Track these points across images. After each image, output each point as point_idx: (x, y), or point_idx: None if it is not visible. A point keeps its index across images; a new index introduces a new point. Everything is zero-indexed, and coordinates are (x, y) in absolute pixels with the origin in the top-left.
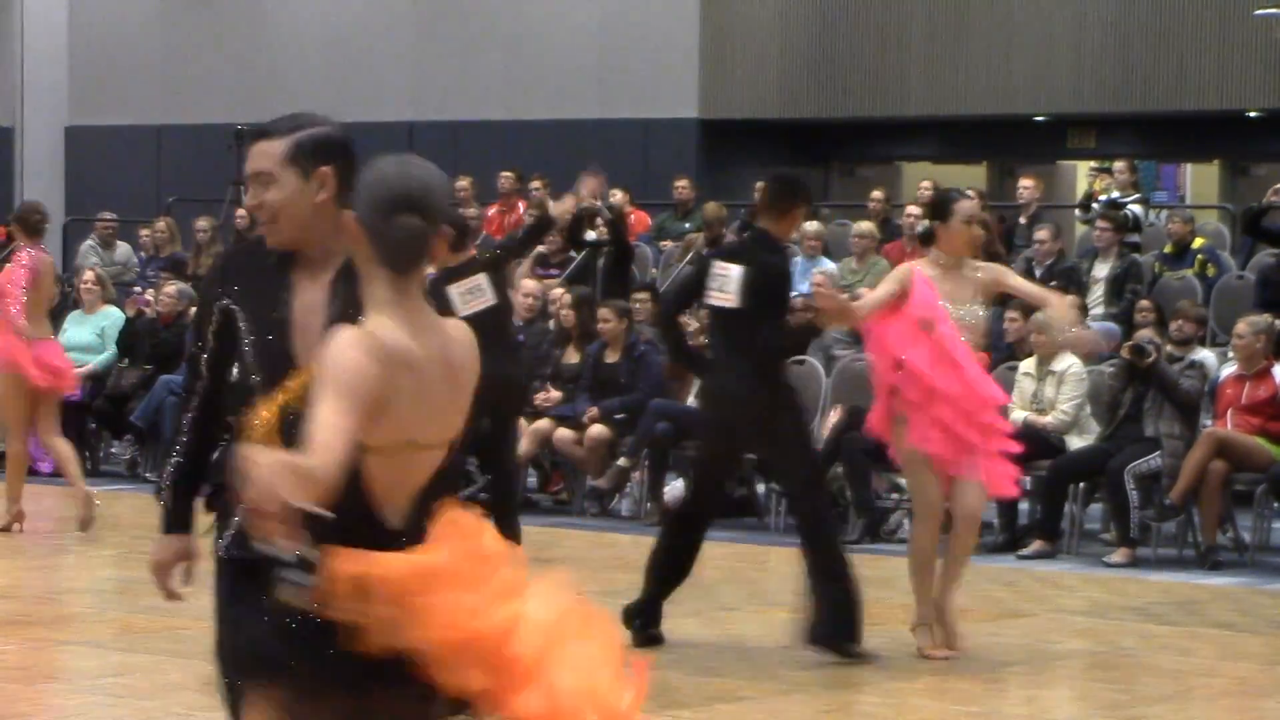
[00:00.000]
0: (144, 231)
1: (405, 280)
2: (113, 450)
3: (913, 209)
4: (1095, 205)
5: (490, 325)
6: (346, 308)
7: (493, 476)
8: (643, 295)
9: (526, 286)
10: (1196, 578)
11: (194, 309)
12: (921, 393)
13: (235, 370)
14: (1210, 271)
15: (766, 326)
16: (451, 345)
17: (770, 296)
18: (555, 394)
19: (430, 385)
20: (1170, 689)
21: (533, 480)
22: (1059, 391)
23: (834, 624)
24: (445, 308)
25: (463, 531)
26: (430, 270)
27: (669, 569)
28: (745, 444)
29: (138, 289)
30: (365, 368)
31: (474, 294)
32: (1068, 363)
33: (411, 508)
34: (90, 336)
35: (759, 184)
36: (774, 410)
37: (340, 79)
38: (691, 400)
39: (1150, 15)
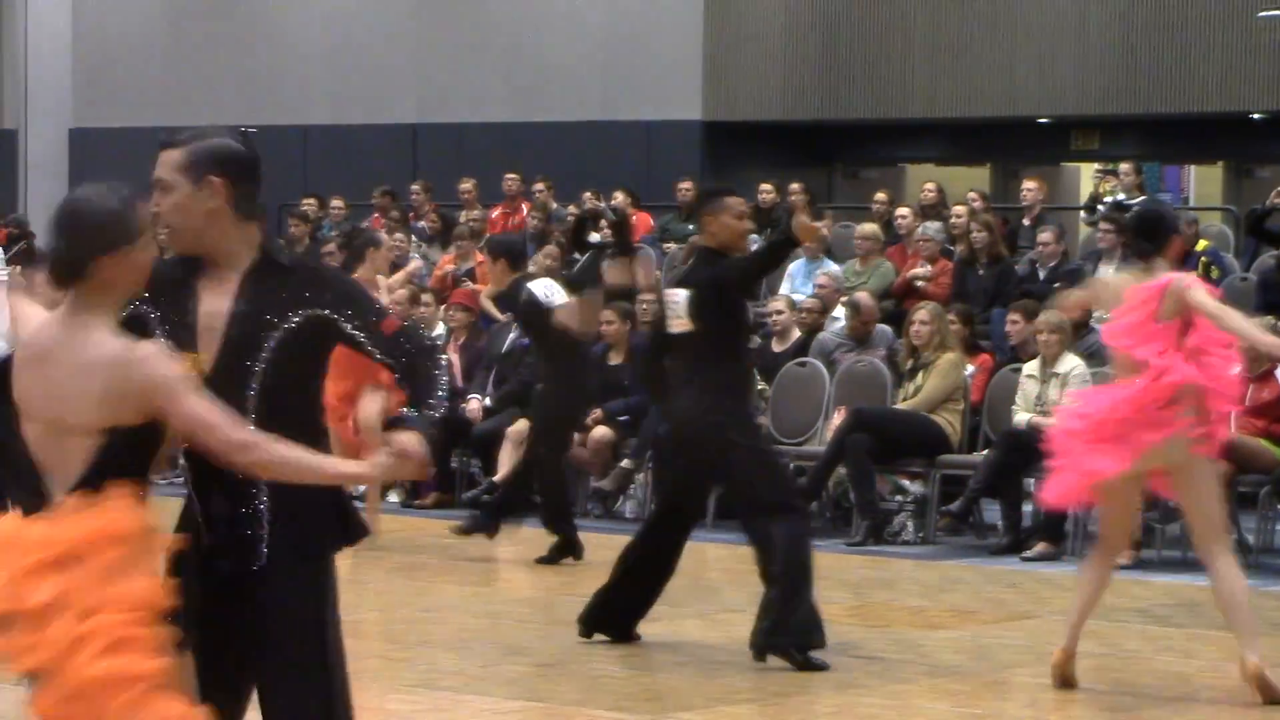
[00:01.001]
0: None
1: (61, 291)
2: None
3: (903, 211)
4: (1100, 207)
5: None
6: (256, 307)
7: (545, 482)
8: (647, 297)
9: None
10: (1200, 579)
11: None
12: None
13: None
14: (1214, 274)
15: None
16: (91, 348)
17: (719, 310)
18: None
19: (63, 377)
20: (1174, 691)
21: None
22: (1063, 393)
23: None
24: (536, 305)
25: (92, 514)
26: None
27: (640, 574)
28: (707, 474)
29: None
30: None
31: (552, 291)
32: (1071, 364)
33: (74, 487)
34: None
35: (764, 186)
36: (730, 439)
37: (344, 82)
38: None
39: (1154, 17)
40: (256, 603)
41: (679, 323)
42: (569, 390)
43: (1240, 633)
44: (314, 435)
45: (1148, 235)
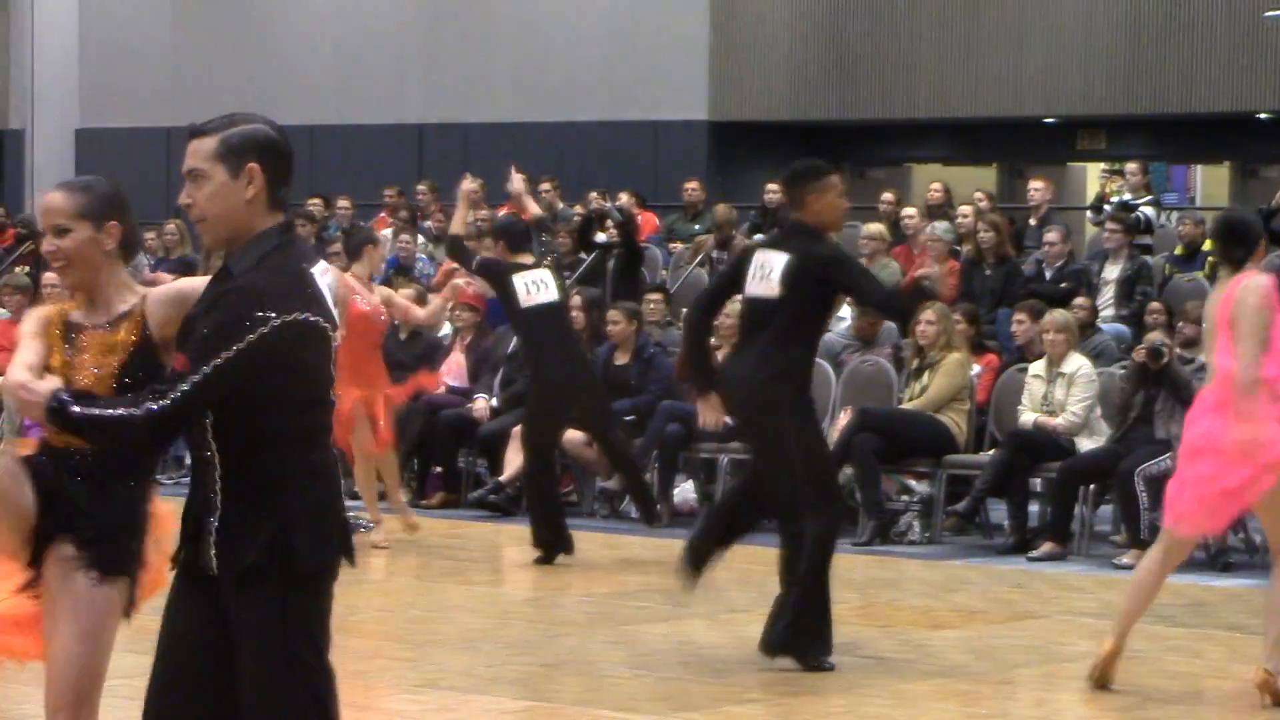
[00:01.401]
0: (149, 234)
1: None
2: None
3: (910, 211)
4: (1107, 207)
5: (552, 323)
6: (193, 314)
7: (533, 479)
8: (654, 297)
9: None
10: (1207, 579)
11: None
12: None
13: None
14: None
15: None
16: None
17: (815, 290)
18: None
19: None
20: (1180, 691)
21: None
22: (1069, 393)
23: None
24: (509, 295)
25: None
26: (488, 258)
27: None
28: (741, 433)
29: None
30: None
31: (538, 286)
32: (1077, 364)
33: None
34: None
35: (770, 185)
36: (778, 407)
37: (350, 82)
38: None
39: (1160, 17)
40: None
41: (764, 285)
42: (553, 389)
43: (1270, 640)
44: (270, 442)
45: (1240, 241)
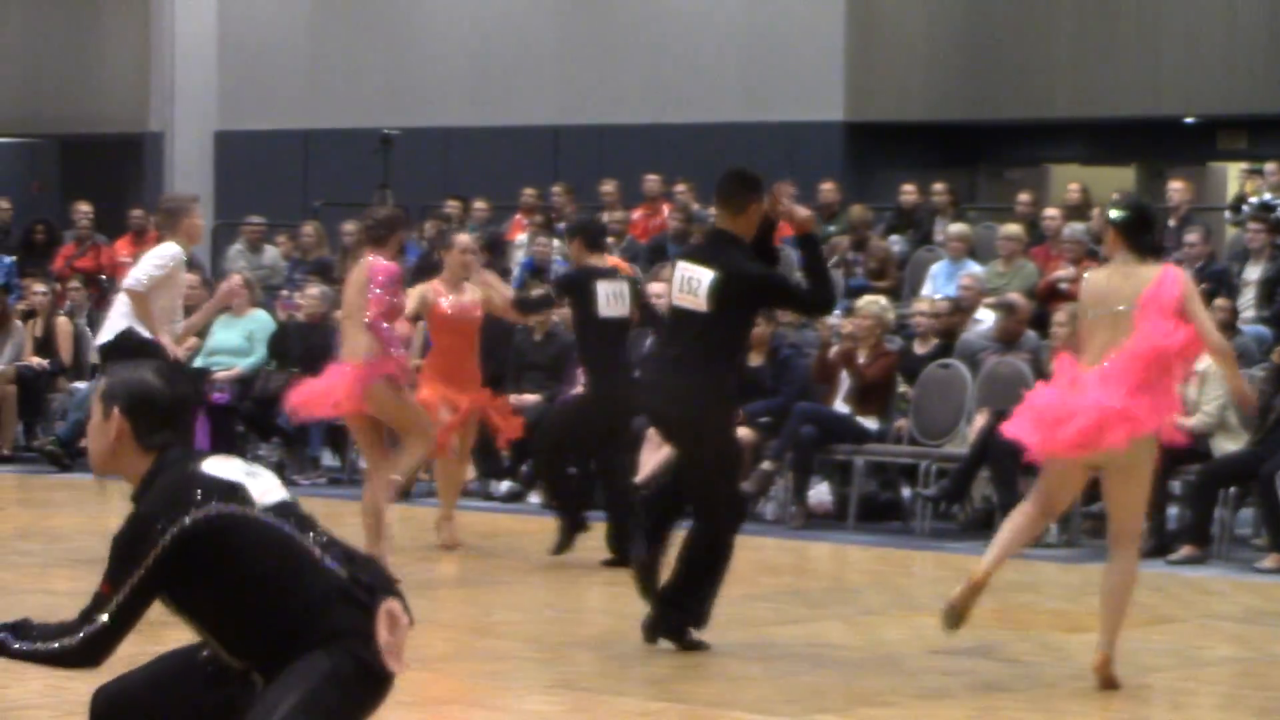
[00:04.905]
0: (283, 237)
1: None
2: (260, 453)
3: (1051, 211)
4: (1246, 207)
5: (618, 337)
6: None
7: (610, 492)
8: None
9: (655, 289)
10: None
11: (337, 312)
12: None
13: None
14: None
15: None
16: None
17: (739, 304)
18: None
19: None
20: None
21: None
22: (1201, 392)
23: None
24: (589, 301)
25: None
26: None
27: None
28: (674, 440)
29: (284, 292)
30: None
31: (618, 299)
32: (1206, 362)
33: None
34: (238, 339)
35: (906, 186)
36: (707, 418)
37: (485, 84)
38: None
39: None
40: None
41: (691, 300)
42: (610, 405)
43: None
44: (247, 626)
45: (1150, 228)
